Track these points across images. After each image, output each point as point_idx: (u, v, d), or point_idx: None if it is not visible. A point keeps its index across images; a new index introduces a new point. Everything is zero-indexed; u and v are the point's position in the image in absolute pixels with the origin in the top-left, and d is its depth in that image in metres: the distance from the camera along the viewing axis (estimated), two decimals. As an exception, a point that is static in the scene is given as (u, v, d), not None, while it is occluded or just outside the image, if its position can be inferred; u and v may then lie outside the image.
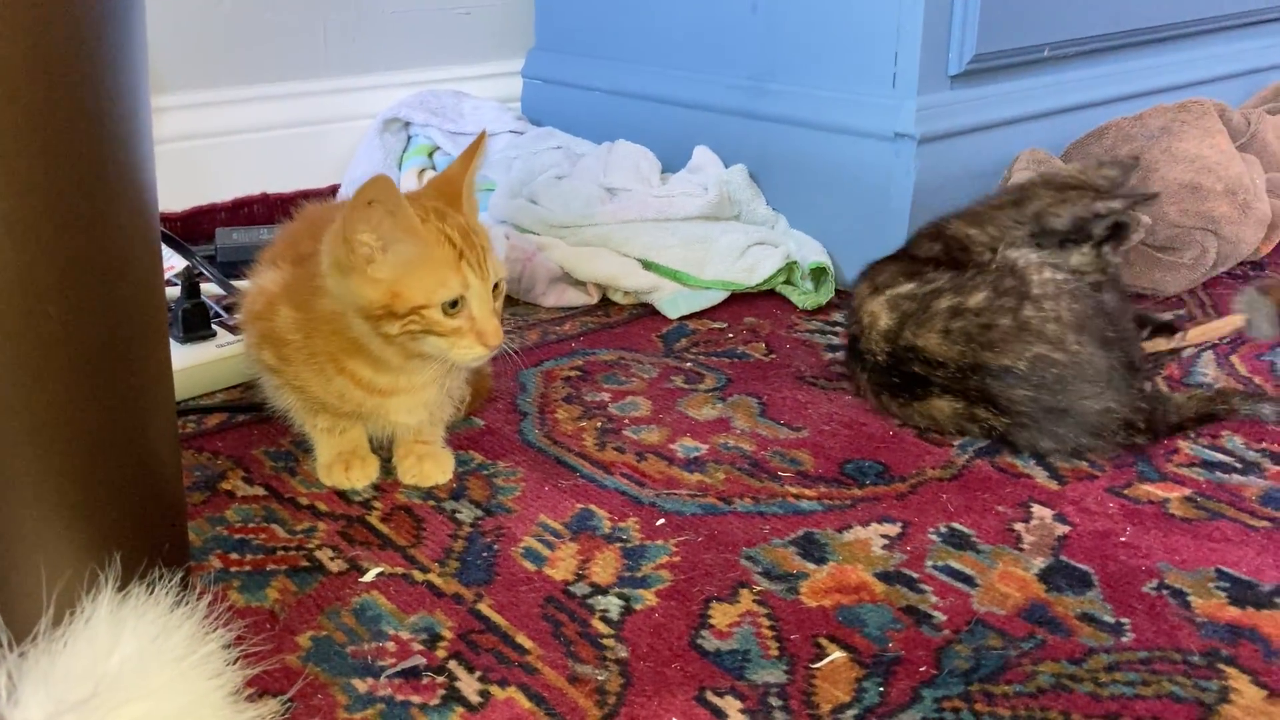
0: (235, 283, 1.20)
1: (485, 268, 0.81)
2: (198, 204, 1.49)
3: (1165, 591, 0.76)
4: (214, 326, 1.11)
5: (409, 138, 1.64)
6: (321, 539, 0.83)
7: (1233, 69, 1.64)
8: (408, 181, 1.57)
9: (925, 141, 1.23)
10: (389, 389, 0.87)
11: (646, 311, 1.29)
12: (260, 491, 0.90)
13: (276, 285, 0.88)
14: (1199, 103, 1.40)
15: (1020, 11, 1.28)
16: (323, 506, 0.88)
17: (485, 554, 0.81)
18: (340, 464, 0.91)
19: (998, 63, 1.29)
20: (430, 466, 0.91)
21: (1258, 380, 1.08)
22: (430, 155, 1.62)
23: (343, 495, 0.89)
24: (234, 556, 0.81)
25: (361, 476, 0.91)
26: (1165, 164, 1.31)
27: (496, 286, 0.83)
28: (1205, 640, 0.71)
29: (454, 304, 0.80)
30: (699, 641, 0.71)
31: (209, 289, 1.19)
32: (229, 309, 1.16)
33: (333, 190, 1.58)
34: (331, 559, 0.81)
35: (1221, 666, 0.69)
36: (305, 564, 0.80)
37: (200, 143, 1.50)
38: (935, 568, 0.79)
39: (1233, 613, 0.74)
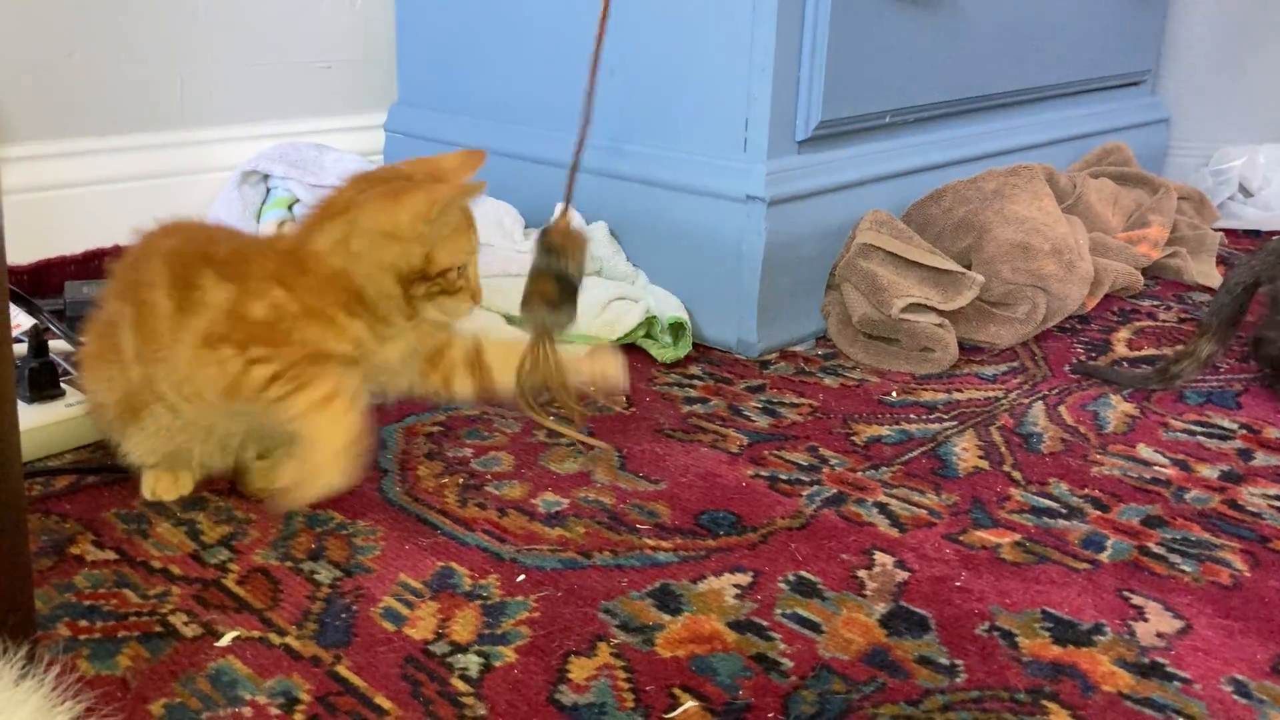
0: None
1: (475, 234, 0.95)
2: (46, 256, 1.45)
3: (996, 633, 0.81)
4: (63, 385, 1.08)
5: (268, 190, 1.63)
6: (175, 603, 0.82)
7: (1060, 134, 1.76)
8: (267, 234, 1.56)
9: (775, 203, 1.29)
10: (387, 336, 0.94)
11: (509, 366, 1.30)
12: (111, 555, 0.88)
13: (224, 299, 0.88)
14: (1028, 167, 1.50)
15: (863, 81, 1.36)
16: (176, 570, 0.87)
17: (344, 615, 0.81)
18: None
19: (842, 129, 1.37)
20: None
21: (1082, 429, 1.16)
22: (290, 208, 1.61)
23: (198, 558, 0.88)
24: (83, 624, 0.79)
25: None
26: (998, 225, 1.39)
27: None
28: (1030, 678, 0.76)
29: (462, 268, 0.93)
30: (557, 696, 0.73)
31: (58, 346, 1.16)
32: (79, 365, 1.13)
33: (189, 242, 1.56)
34: (186, 624, 0.80)
35: (1045, 703, 0.74)
36: (158, 629, 0.79)
37: (49, 194, 1.47)
38: (784, 615, 0.83)
39: (1055, 651, 0.79)
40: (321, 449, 0.87)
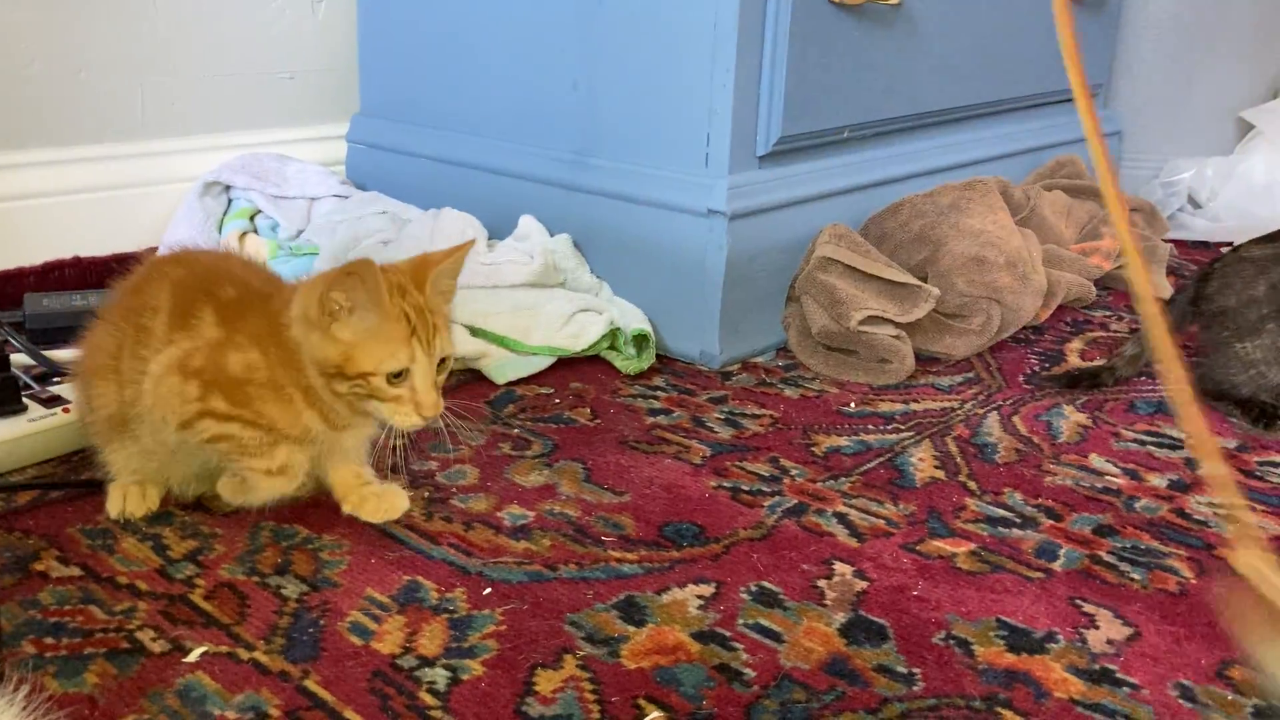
0: (46, 352, 1.17)
1: (433, 345, 0.88)
2: (4, 268, 1.45)
3: (952, 641, 0.83)
4: (24, 400, 1.08)
5: (229, 201, 1.63)
6: (142, 619, 0.82)
7: (1014, 148, 1.80)
8: (229, 245, 1.55)
9: (736, 217, 1.31)
10: (344, 425, 0.93)
11: (474, 377, 1.31)
12: (76, 571, 0.88)
13: (214, 337, 0.90)
14: (983, 181, 1.53)
15: (821, 97, 1.38)
16: (143, 586, 0.87)
17: (311, 630, 0.82)
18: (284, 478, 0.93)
19: (802, 144, 1.39)
20: (391, 498, 0.96)
21: (1035, 439, 1.19)
22: (252, 219, 1.61)
23: (164, 574, 0.89)
24: (49, 641, 0.79)
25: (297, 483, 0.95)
26: (953, 238, 1.42)
27: (443, 362, 0.91)
28: (986, 686, 0.78)
29: (398, 375, 0.87)
30: (524, 708, 0.74)
31: (19, 359, 1.16)
32: (40, 379, 1.13)
33: (150, 253, 1.55)
34: (153, 640, 0.80)
35: (999, 710, 0.76)
36: (126, 646, 0.79)
37: (8, 205, 1.46)
38: (746, 626, 0.84)
39: (1010, 659, 0.82)
40: (258, 495, 0.94)
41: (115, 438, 0.95)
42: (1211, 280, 1.30)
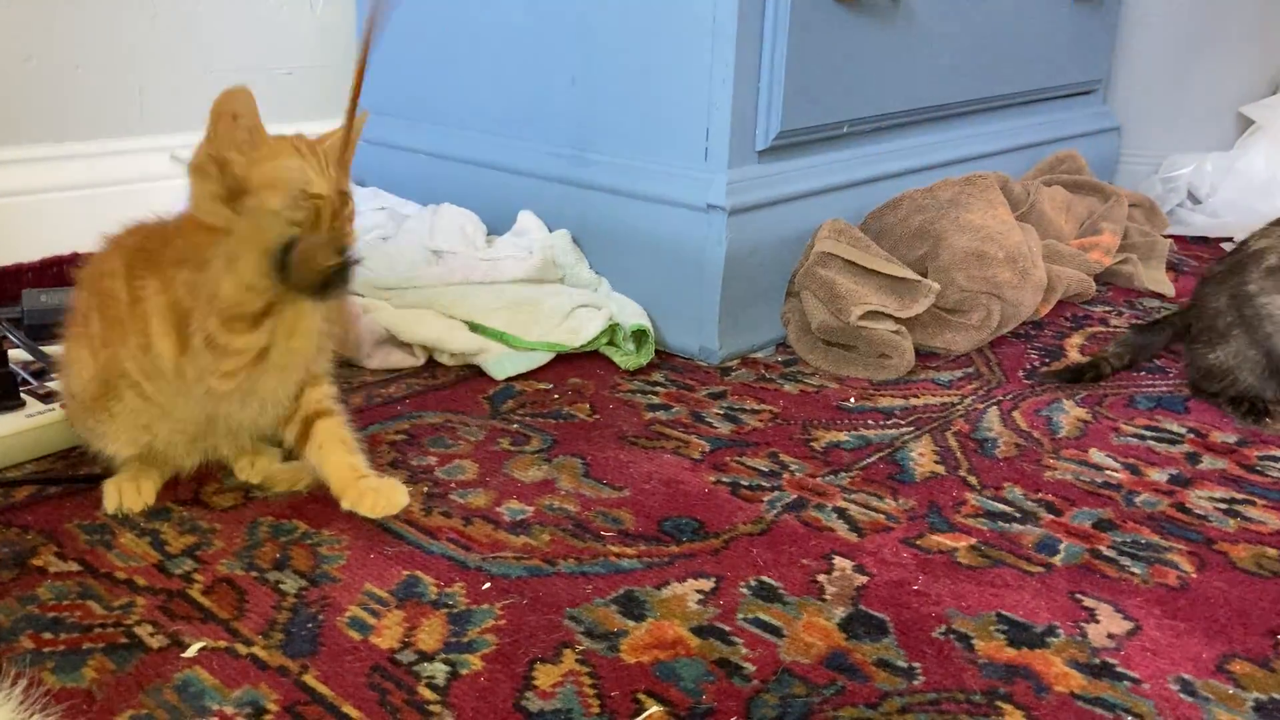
0: (44, 347, 1.17)
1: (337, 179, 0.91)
2: (2, 264, 1.44)
3: (952, 636, 0.83)
4: (22, 395, 1.08)
5: (229, 197, 1.62)
6: (141, 614, 0.82)
7: (1014, 143, 1.79)
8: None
9: (735, 212, 1.30)
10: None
11: (473, 373, 1.31)
12: (74, 567, 0.88)
13: (160, 293, 0.91)
14: (983, 176, 1.53)
15: (821, 91, 1.38)
16: (141, 581, 0.87)
17: (310, 625, 0.82)
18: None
19: (801, 139, 1.39)
20: (390, 492, 0.94)
21: (1035, 434, 1.19)
22: (251, 214, 1.61)
23: (162, 569, 0.88)
24: (47, 636, 0.79)
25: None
26: (953, 233, 1.42)
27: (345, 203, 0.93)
28: (986, 680, 0.78)
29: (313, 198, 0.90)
30: (523, 703, 0.74)
31: (17, 355, 1.16)
32: (38, 374, 1.13)
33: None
34: (151, 635, 0.80)
35: (999, 704, 0.76)
36: (124, 641, 0.79)
37: (6, 201, 1.45)
38: (746, 620, 0.84)
39: (1010, 653, 0.81)
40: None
41: (99, 412, 0.95)
42: (1195, 294, 1.32)
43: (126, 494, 0.97)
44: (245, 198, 0.89)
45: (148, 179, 1.59)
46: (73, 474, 1.03)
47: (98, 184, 1.54)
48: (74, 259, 1.50)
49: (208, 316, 0.88)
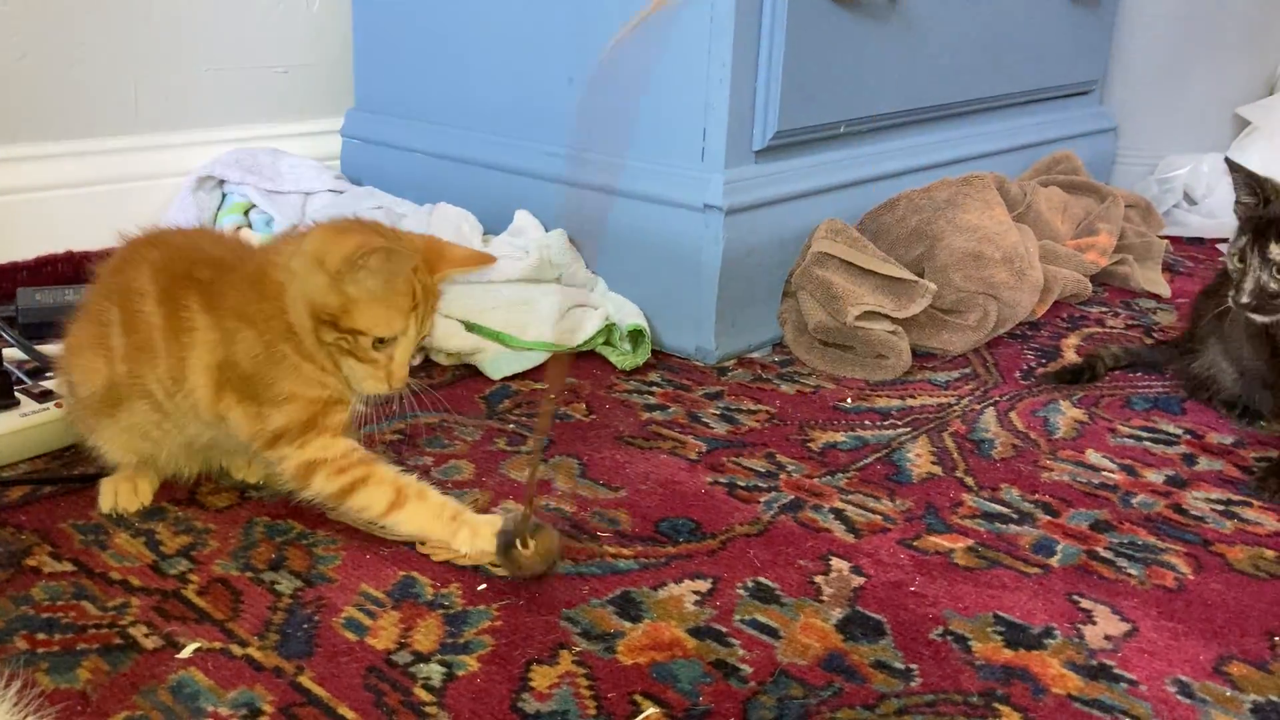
0: (39, 346, 1.17)
1: (425, 324, 0.92)
2: (-3, 262, 1.44)
3: (949, 637, 0.83)
4: (17, 395, 1.07)
5: (223, 195, 1.62)
6: (135, 615, 0.82)
7: (1011, 144, 1.79)
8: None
9: (732, 212, 1.30)
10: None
11: (469, 373, 1.31)
12: (69, 567, 0.88)
13: (210, 333, 0.90)
14: (980, 177, 1.53)
15: (818, 91, 1.37)
16: (136, 581, 0.86)
17: (306, 625, 0.81)
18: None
19: (798, 139, 1.38)
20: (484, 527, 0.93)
21: (1032, 435, 1.19)
22: (246, 213, 1.60)
23: (157, 569, 0.88)
24: (41, 637, 0.79)
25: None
26: (950, 234, 1.42)
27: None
28: (983, 681, 0.78)
29: (384, 342, 0.89)
30: (520, 704, 0.74)
31: (11, 354, 1.15)
32: (33, 374, 1.13)
33: (144, 248, 1.55)
34: (146, 636, 0.80)
35: (996, 705, 0.76)
36: (118, 642, 0.79)
37: (0, 199, 1.45)
38: (743, 621, 0.84)
39: (1007, 655, 0.81)
40: (433, 535, 0.93)
41: (104, 418, 0.94)
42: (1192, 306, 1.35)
43: (123, 494, 0.97)
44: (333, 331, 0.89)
45: (143, 177, 1.59)
46: (67, 474, 1.02)
47: (92, 182, 1.54)
48: (69, 257, 1.50)
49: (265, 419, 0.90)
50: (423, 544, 0.93)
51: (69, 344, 0.97)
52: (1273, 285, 1.10)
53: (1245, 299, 1.11)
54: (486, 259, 0.97)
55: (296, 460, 0.91)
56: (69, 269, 1.49)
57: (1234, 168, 1.16)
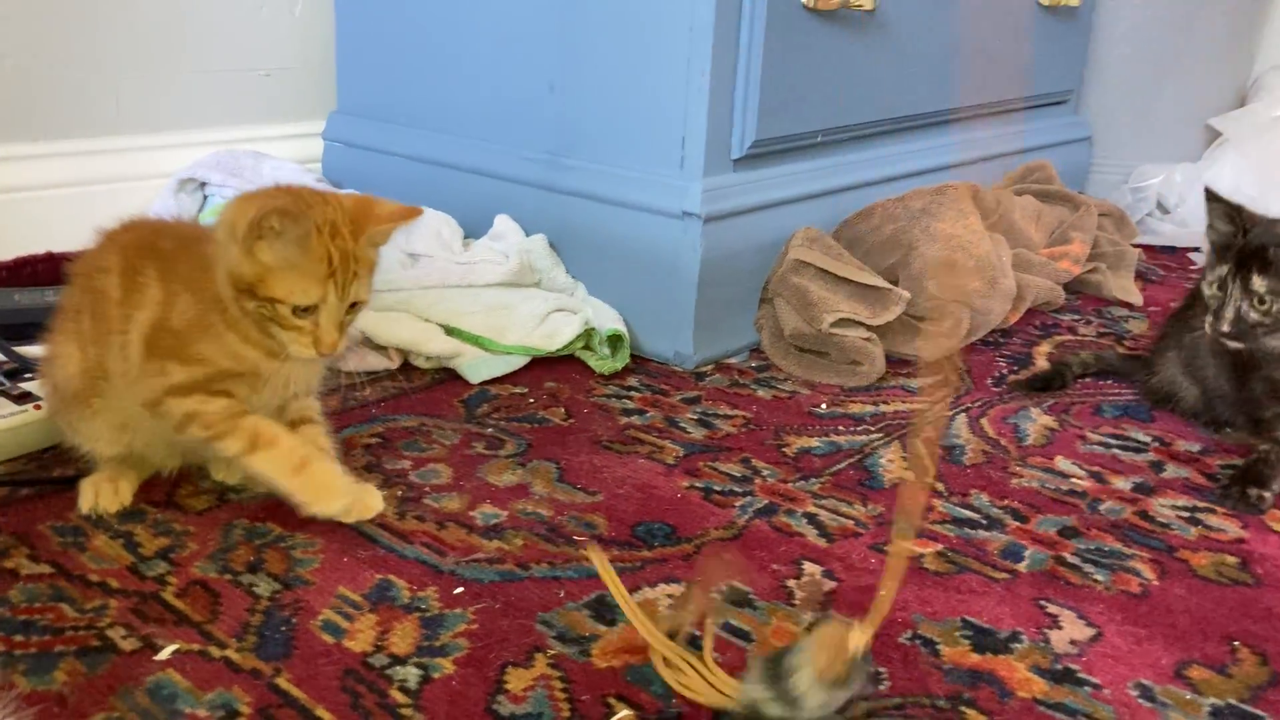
0: (18, 347, 1.17)
1: (347, 290, 0.90)
2: (-24, 263, 1.44)
3: (918, 641, 0.85)
4: (-5, 396, 1.07)
5: (205, 198, 1.62)
6: (113, 617, 0.83)
7: (986, 153, 1.81)
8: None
9: (710, 220, 1.32)
10: (280, 354, 0.93)
11: (448, 376, 1.32)
12: (46, 569, 0.88)
13: (156, 296, 0.92)
14: (954, 186, 1.55)
15: (795, 101, 1.39)
16: (114, 583, 0.87)
17: (283, 628, 0.82)
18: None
19: (776, 148, 1.40)
20: (365, 496, 0.96)
21: (1003, 442, 1.21)
22: (227, 215, 1.60)
23: (136, 571, 0.89)
24: (19, 639, 0.79)
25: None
26: (924, 242, 1.44)
27: (354, 305, 0.92)
28: (950, 685, 0.80)
29: (305, 310, 0.89)
30: (494, 707, 0.75)
31: (-11, 356, 1.15)
32: (11, 375, 1.13)
33: (123, 249, 1.55)
34: (124, 638, 0.80)
35: (963, 709, 0.77)
36: (96, 644, 0.79)
37: (-20, 200, 1.45)
38: (716, 625, 0.85)
39: (974, 659, 0.83)
40: (280, 482, 0.93)
41: (84, 408, 0.96)
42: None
43: (103, 494, 0.97)
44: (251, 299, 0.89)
45: (124, 179, 1.59)
46: (46, 475, 1.03)
47: (73, 183, 1.54)
48: (49, 259, 1.49)
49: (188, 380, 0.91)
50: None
51: (51, 339, 0.98)
52: (1253, 315, 1.12)
53: (1225, 328, 1.13)
54: (414, 211, 0.95)
55: (179, 411, 0.92)
56: (49, 270, 1.49)
57: (1212, 197, 1.18)
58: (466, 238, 1.52)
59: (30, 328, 1.22)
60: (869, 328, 1.35)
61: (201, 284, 0.91)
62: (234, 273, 0.89)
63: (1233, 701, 0.79)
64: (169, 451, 0.99)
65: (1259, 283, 1.11)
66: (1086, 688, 0.80)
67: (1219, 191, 1.18)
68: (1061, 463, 1.16)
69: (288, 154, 1.71)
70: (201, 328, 0.91)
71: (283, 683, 0.76)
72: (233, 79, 1.69)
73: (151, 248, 0.94)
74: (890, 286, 1.38)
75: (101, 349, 0.94)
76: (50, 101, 1.51)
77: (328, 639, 0.81)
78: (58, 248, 1.50)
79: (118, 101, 1.58)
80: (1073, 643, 0.85)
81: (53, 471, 1.03)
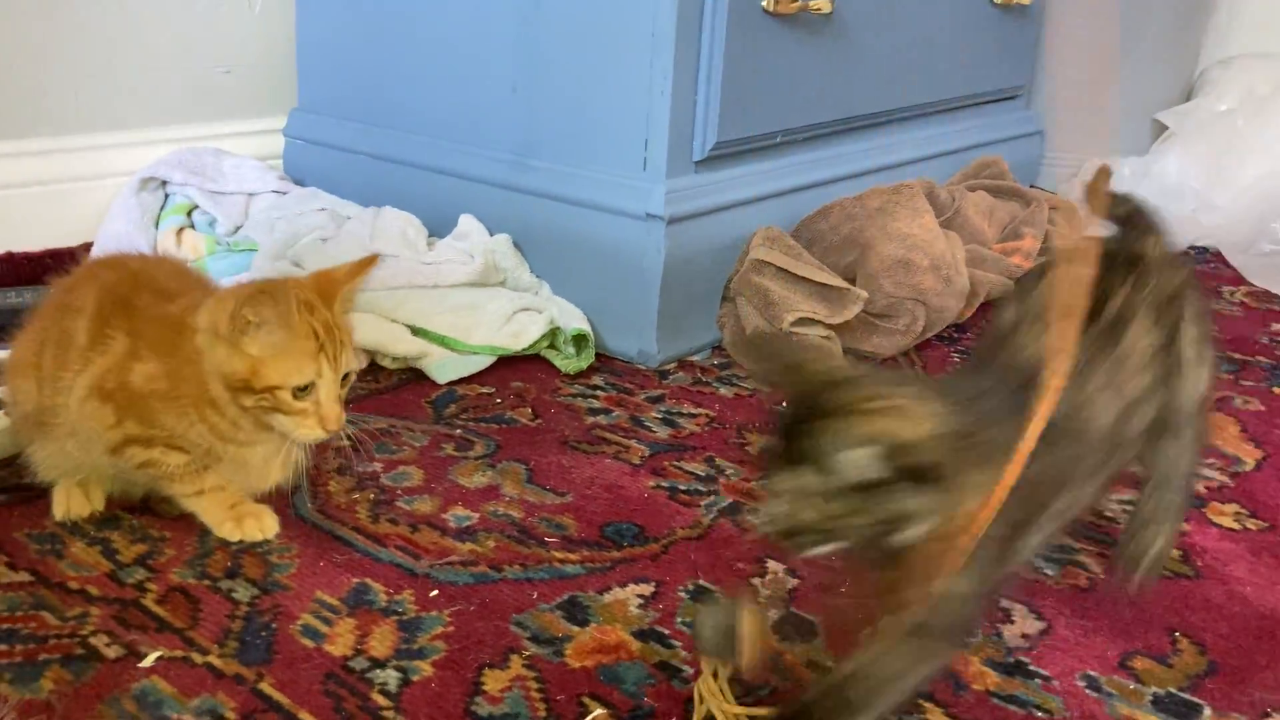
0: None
1: (339, 360, 0.91)
2: (-64, 264, 1.43)
3: (877, 636, 0.88)
4: (-34, 403, 1.08)
5: (166, 196, 1.62)
6: (95, 624, 0.84)
7: (941, 149, 1.85)
8: (166, 241, 1.55)
9: (673, 221, 1.34)
10: (248, 440, 0.93)
11: (415, 376, 1.33)
12: (26, 577, 0.90)
13: (121, 350, 0.91)
14: (910, 185, 1.58)
15: (756, 102, 1.42)
16: (94, 591, 0.88)
17: (264, 633, 0.84)
18: (234, 519, 0.96)
19: (737, 149, 1.43)
20: (264, 517, 0.97)
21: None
22: (189, 214, 1.61)
23: (115, 578, 0.90)
24: (2, 648, 0.81)
25: (269, 525, 0.97)
26: (881, 241, 1.47)
27: (346, 377, 0.93)
28: (908, 678, 0.83)
29: (304, 389, 0.89)
30: (473, 708, 0.78)
31: (-43, 362, 1.16)
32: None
33: (85, 249, 1.55)
34: (108, 645, 0.82)
35: (920, 701, 0.81)
36: (80, 652, 0.81)
37: (-60, 201, 1.44)
38: (685, 624, 0.89)
39: (931, 652, 0.87)
40: (209, 520, 0.96)
41: (38, 436, 0.97)
42: None
43: (74, 500, 0.98)
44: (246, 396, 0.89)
45: (83, 178, 1.59)
46: (19, 482, 1.03)
47: (33, 183, 1.53)
48: (8, 259, 1.49)
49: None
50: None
51: (12, 357, 0.98)
52: None
53: None
54: (370, 261, 0.95)
55: (139, 459, 0.93)
56: (8, 270, 1.49)
57: None
58: (431, 237, 1.54)
59: (-4, 330, 1.23)
60: (828, 326, 1.39)
61: (172, 355, 0.90)
62: (225, 372, 0.88)
63: (1173, 690, 0.84)
64: (128, 483, 1.00)
65: None
66: (1037, 680, 0.84)
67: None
68: (1013, 458, 1.20)
69: (249, 151, 1.71)
70: (174, 411, 0.91)
71: (266, 687, 0.78)
72: (193, 76, 1.69)
73: (126, 303, 0.93)
74: (848, 286, 1.41)
75: (55, 390, 0.93)
76: (8, 100, 1.50)
77: (308, 643, 0.83)
78: (18, 248, 1.50)
79: (76, 99, 1.57)
80: (1024, 636, 0.89)
81: (25, 479, 1.04)
